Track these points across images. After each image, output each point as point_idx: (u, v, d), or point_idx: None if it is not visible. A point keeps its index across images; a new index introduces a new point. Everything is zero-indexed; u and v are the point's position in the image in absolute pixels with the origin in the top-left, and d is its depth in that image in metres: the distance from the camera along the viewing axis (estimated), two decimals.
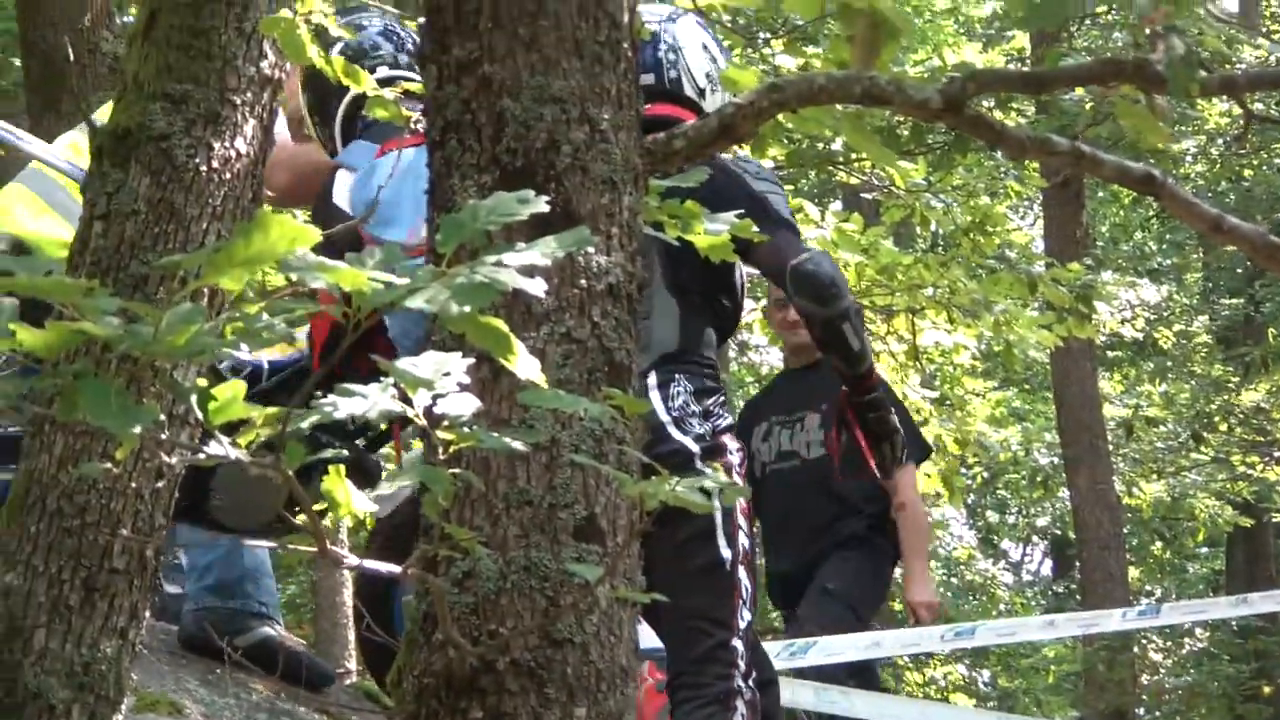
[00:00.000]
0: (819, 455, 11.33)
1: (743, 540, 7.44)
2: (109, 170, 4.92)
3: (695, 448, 7.30)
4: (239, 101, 4.99)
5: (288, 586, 28.84)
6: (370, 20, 8.52)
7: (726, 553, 7.34)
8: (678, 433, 7.36)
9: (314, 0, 5.03)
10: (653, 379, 7.39)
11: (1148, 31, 4.16)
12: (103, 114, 7.54)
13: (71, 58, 13.16)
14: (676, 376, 7.47)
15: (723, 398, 7.66)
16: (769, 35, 10.72)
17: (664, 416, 7.33)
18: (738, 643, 7.30)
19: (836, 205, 24.01)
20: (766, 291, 12.84)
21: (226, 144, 4.95)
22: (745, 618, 7.35)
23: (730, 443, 7.50)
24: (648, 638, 7.65)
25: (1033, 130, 4.48)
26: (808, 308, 7.53)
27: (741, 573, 7.39)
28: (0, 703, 4.54)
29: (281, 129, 8.42)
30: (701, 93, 7.87)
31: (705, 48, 8.00)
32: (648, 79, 7.62)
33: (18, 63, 17.72)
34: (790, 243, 7.48)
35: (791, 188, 18.87)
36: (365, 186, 7.92)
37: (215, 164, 4.93)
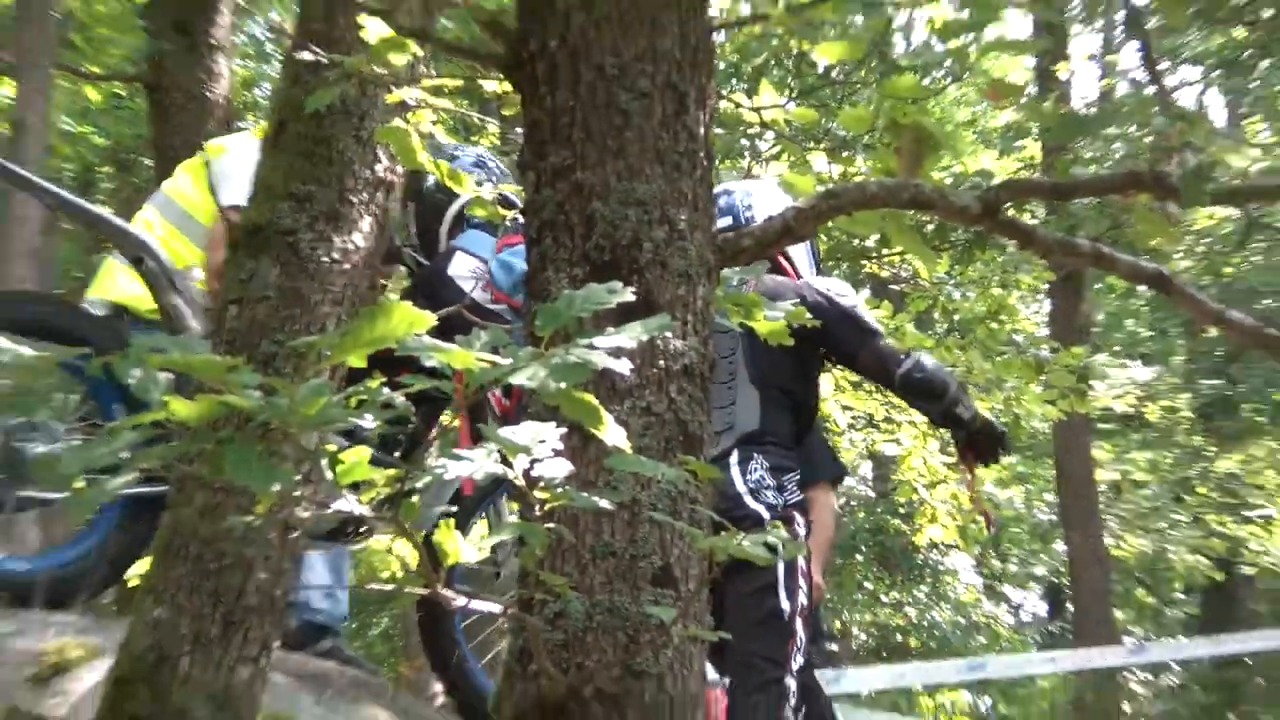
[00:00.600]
0: None
1: (802, 597, 7.53)
2: (243, 260, 4.96)
3: (766, 515, 7.42)
4: (356, 201, 5.03)
5: (381, 619, 28.81)
6: (464, 150, 8.64)
7: (786, 605, 7.45)
8: (752, 501, 7.51)
9: (423, 114, 5.05)
10: (734, 456, 7.59)
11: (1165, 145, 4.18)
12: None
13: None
14: (755, 455, 7.64)
15: (798, 478, 7.76)
16: (812, 145, 10.73)
17: (740, 487, 7.51)
18: (790, 681, 7.40)
19: (865, 293, 23.98)
20: None
21: (345, 238, 4.99)
22: (798, 661, 7.46)
23: (799, 515, 7.61)
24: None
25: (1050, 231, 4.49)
26: (923, 406, 7.82)
27: (799, 624, 7.50)
28: (150, 719, 4.58)
29: None
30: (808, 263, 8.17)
31: (780, 200, 8.03)
32: (726, 221, 7.92)
33: (149, 163, 17.81)
34: (889, 350, 7.71)
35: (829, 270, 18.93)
36: (510, 269, 8.25)
37: (335, 255, 4.97)
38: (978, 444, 7.88)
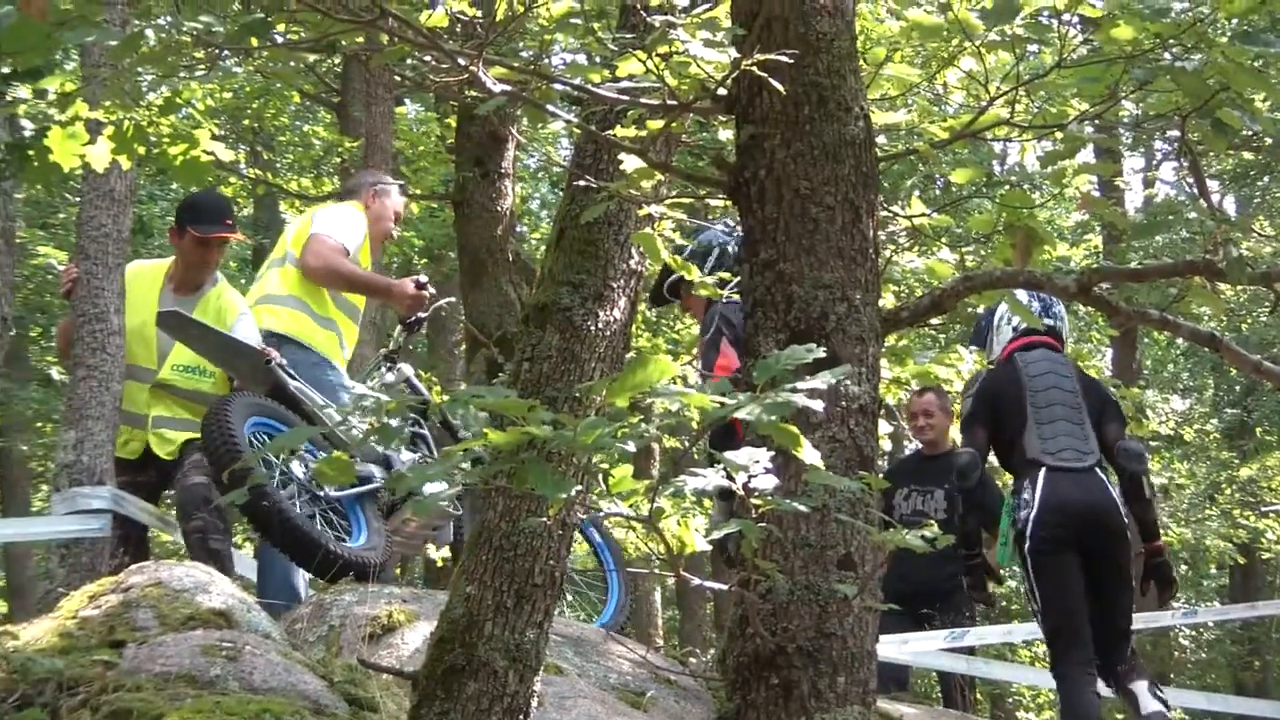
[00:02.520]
0: (941, 518, 11.22)
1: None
2: (533, 330, 4.99)
3: (1129, 520, 7.90)
4: (615, 286, 5.03)
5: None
6: (712, 235, 8.53)
7: (1135, 585, 8.25)
8: (1123, 509, 7.89)
9: (664, 224, 5.06)
10: (1101, 473, 7.93)
11: (1217, 240, 4.14)
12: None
13: (504, 255, 13.30)
14: (1108, 476, 7.95)
15: None
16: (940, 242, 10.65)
17: (1116, 497, 7.90)
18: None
19: (974, 347, 23.75)
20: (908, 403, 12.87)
21: (607, 313, 5.00)
22: None
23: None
24: None
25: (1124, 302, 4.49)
26: (1126, 466, 8.01)
27: None
28: (464, 669, 4.59)
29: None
30: (1065, 339, 8.58)
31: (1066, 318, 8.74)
32: (1050, 321, 8.31)
33: (453, 256, 18.02)
34: (1122, 431, 8.16)
35: (945, 334, 18.76)
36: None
37: (600, 325, 4.98)
38: (1157, 576, 8.30)
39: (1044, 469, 7.86)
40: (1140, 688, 7.83)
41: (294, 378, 8.26)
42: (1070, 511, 7.76)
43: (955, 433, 11.49)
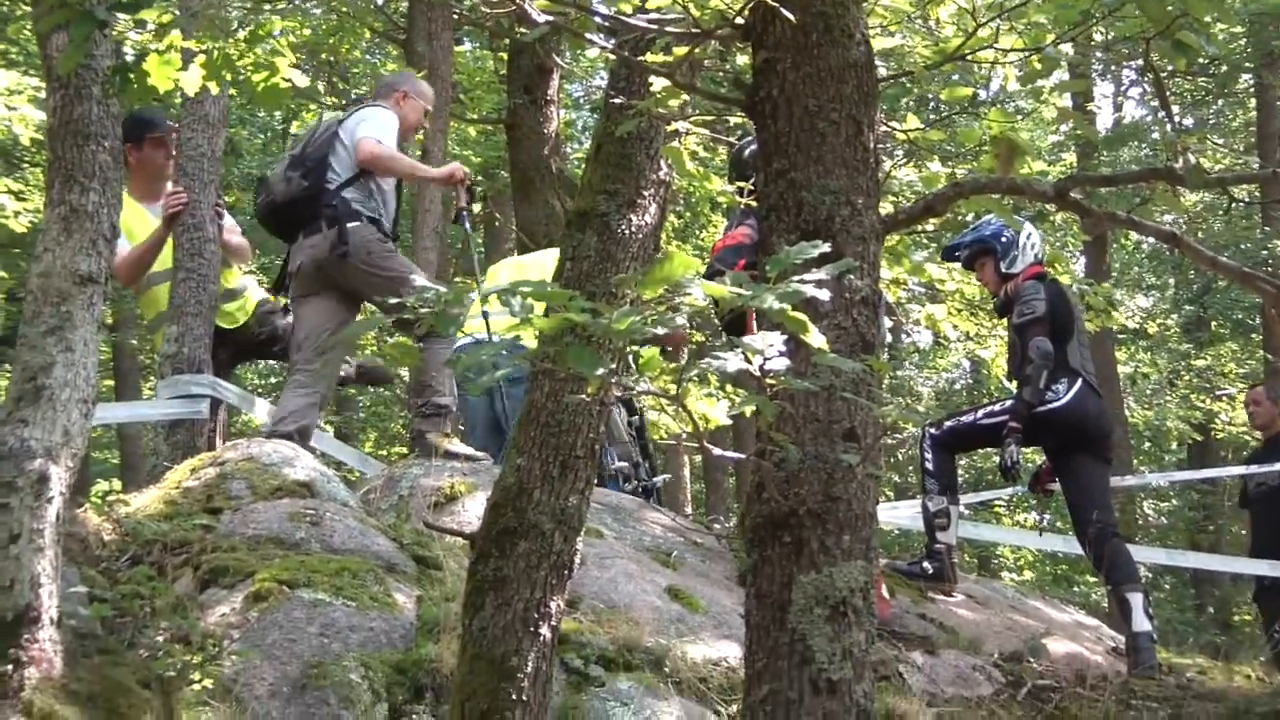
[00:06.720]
0: (1277, 484, 11.59)
1: None
2: (574, 233, 4.98)
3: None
4: (647, 194, 5.02)
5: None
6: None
7: None
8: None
9: (689, 139, 5.02)
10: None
11: (1178, 149, 4.08)
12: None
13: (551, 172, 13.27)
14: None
15: None
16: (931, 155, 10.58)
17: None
18: None
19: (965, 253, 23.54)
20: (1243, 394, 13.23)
21: (639, 218, 4.99)
22: None
23: None
24: None
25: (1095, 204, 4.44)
26: (1023, 368, 8.49)
27: None
28: (515, 530, 4.59)
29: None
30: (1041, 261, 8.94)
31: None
32: (1029, 259, 8.85)
33: (505, 174, 17.98)
34: (1036, 334, 8.51)
35: (937, 240, 18.67)
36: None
37: (632, 229, 4.96)
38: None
39: (1080, 379, 8.52)
40: (1136, 600, 7.93)
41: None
42: (1088, 421, 8.57)
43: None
